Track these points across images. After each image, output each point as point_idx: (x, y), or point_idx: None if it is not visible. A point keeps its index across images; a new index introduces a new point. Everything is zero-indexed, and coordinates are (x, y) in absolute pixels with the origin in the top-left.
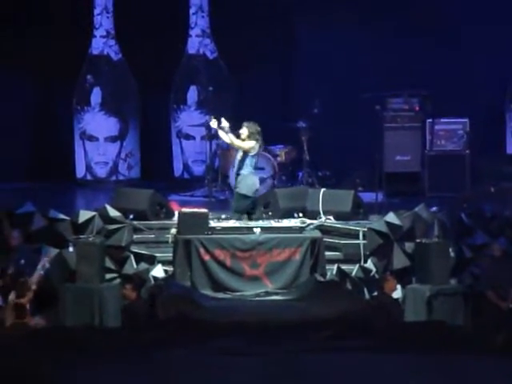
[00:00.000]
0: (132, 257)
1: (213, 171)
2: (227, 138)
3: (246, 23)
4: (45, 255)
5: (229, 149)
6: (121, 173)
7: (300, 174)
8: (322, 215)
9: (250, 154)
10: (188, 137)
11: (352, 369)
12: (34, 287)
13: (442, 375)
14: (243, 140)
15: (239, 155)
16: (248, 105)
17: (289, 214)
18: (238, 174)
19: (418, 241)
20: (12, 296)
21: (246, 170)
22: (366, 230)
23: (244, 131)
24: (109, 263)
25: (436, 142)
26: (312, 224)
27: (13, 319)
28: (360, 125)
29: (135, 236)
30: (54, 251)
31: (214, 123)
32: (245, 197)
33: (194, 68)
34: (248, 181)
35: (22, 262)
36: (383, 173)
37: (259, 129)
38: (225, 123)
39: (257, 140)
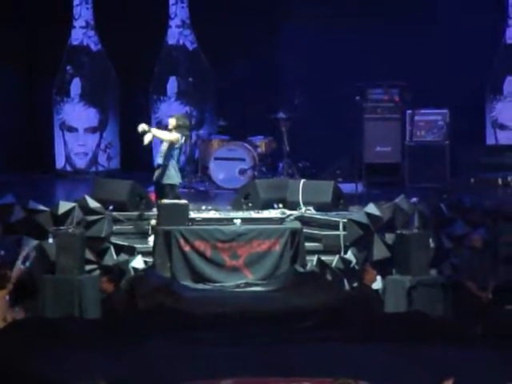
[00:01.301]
0: (112, 248)
1: (192, 162)
2: (156, 133)
3: (226, 14)
4: (26, 248)
5: (209, 140)
6: (100, 164)
7: (280, 164)
8: (302, 206)
9: (175, 146)
10: (168, 127)
11: (332, 359)
12: (13, 280)
13: (421, 365)
14: (170, 131)
15: (164, 146)
16: (228, 96)
17: (269, 205)
18: (162, 165)
19: (398, 232)
20: None
21: (171, 161)
22: (346, 220)
23: (172, 122)
24: (89, 254)
25: (416, 132)
26: (292, 215)
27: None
28: (340, 116)
29: (115, 227)
30: (33, 243)
31: (141, 127)
32: (172, 186)
33: (173, 59)
34: (172, 171)
35: (2, 253)
36: (363, 164)
37: (188, 123)
38: (144, 127)
39: (183, 133)
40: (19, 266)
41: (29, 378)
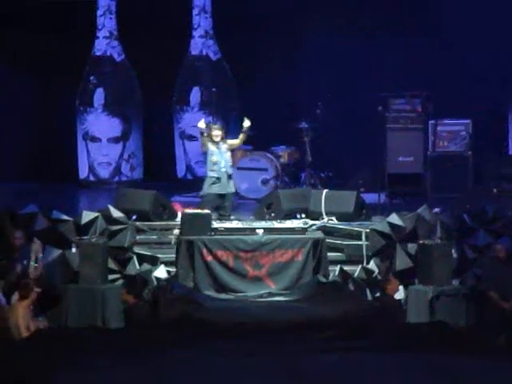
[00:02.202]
0: (135, 258)
1: None
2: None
3: (249, 24)
4: (34, 245)
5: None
6: (123, 173)
7: (303, 174)
8: (324, 216)
9: None
10: (191, 138)
11: (354, 369)
12: (36, 289)
13: (443, 376)
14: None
15: (228, 155)
16: (251, 106)
17: (291, 215)
18: (229, 174)
19: (420, 242)
20: (15, 297)
21: None
22: (368, 230)
23: (219, 132)
24: (112, 264)
25: (438, 143)
26: (315, 225)
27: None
28: (362, 126)
29: (138, 237)
30: (54, 250)
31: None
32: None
33: (196, 69)
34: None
35: (25, 262)
36: (386, 174)
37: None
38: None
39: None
40: (33, 265)
41: None
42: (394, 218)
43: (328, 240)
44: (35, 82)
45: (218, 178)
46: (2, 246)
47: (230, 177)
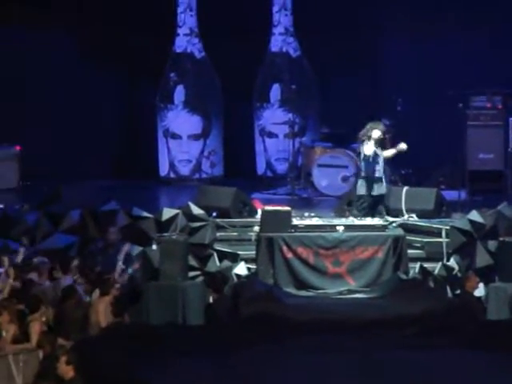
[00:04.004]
0: (215, 254)
1: (296, 169)
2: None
3: (329, 21)
4: (125, 247)
5: (312, 147)
6: (204, 171)
7: None
8: (404, 213)
9: None
10: (271, 135)
11: (438, 366)
12: (117, 285)
13: None
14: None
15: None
16: (331, 103)
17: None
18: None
19: (501, 239)
20: (96, 294)
21: None
22: (448, 228)
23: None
24: (192, 261)
25: None
26: (395, 222)
27: (111, 318)
28: (443, 123)
29: (218, 234)
30: (135, 247)
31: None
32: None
33: (276, 66)
34: None
35: (118, 258)
36: (466, 171)
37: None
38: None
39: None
40: (120, 266)
41: (131, 383)
42: (474, 215)
43: (408, 237)
44: (116, 78)
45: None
46: (84, 244)
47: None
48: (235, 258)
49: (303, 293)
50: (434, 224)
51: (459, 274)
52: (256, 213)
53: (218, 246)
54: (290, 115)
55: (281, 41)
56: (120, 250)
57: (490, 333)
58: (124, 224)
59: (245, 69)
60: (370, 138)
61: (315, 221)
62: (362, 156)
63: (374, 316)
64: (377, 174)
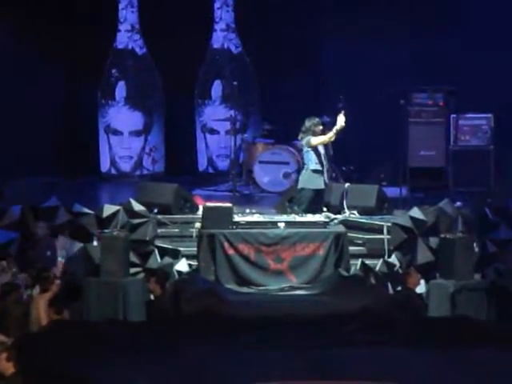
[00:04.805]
0: (156, 251)
1: (237, 166)
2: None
3: (270, 18)
4: (61, 240)
5: (254, 143)
6: (145, 167)
7: None
8: (346, 210)
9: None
10: (212, 131)
11: (376, 363)
12: (58, 281)
13: (465, 370)
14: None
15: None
16: (272, 100)
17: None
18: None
19: (442, 236)
20: (36, 290)
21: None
22: (390, 224)
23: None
24: (133, 257)
25: (460, 137)
26: (336, 219)
27: (52, 315)
28: (384, 119)
29: (159, 230)
30: (76, 244)
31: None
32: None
33: (218, 62)
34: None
35: (48, 253)
36: (407, 167)
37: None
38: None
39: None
40: (60, 260)
41: (71, 379)
42: (415, 212)
43: (349, 234)
44: (58, 74)
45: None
46: (26, 239)
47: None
48: (176, 255)
49: (245, 289)
50: (376, 221)
51: (400, 271)
52: (197, 209)
53: (159, 243)
54: (232, 112)
55: (222, 37)
56: (57, 246)
57: (431, 329)
58: (64, 220)
59: (186, 65)
60: (314, 132)
61: (257, 217)
62: (305, 150)
63: (316, 312)
64: (318, 167)
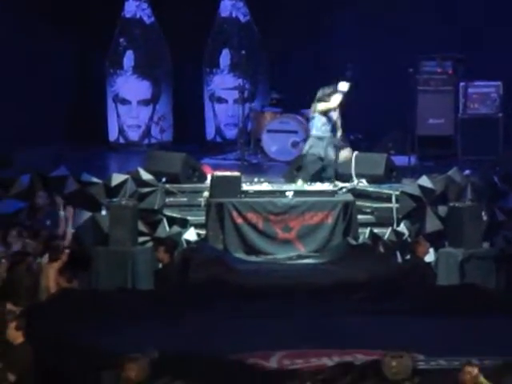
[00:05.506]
0: (165, 220)
1: (245, 135)
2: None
3: None
4: (70, 209)
5: (262, 112)
6: (153, 136)
7: None
8: (354, 178)
9: None
10: (220, 100)
11: (384, 331)
12: (67, 251)
13: (474, 338)
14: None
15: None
16: (280, 68)
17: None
18: None
19: (450, 204)
20: (45, 259)
21: None
22: (398, 193)
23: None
24: (141, 226)
25: (469, 105)
26: (344, 187)
27: (62, 283)
28: (393, 88)
29: (168, 199)
30: (84, 213)
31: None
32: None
33: (226, 31)
34: None
35: (48, 223)
36: (416, 136)
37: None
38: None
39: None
40: (70, 230)
41: (80, 348)
42: (424, 181)
43: (358, 202)
44: (65, 43)
45: None
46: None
47: None
48: (185, 224)
49: (253, 258)
50: (384, 189)
51: (409, 240)
52: (205, 178)
53: (167, 212)
54: (240, 80)
55: (230, 6)
56: (67, 217)
57: (440, 298)
58: (73, 189)
59: (194, 34)
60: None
61: (265, 186)
62: (311, 116)
63: (324, 281)
64: (319, 134)
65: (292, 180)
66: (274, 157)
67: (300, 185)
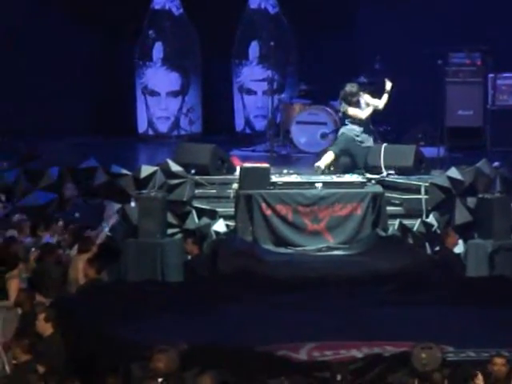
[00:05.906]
0: (194, 211)
1: (274, 126)
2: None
3: None
4: (113, 214)
5: (291, 104)
6: (182, 128)
7: None
8: (383, 170)
9: None
10: (250, 92)
11: (414, 323)
12: (97, 242)
13: (503, 329)
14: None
15: None
16: (309, 60)
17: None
18: None
19: (480, 196)
20: (74, 251)
21: None
22: (427, 184)
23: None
24: (171, 218)
25: (498, 96)
26: (374, 179)
27: (92, 274)
28: (422, 79)
29: (197, 191)
30: (113, 205)
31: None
32: None
33: (255, 23)
34: None
35: (77, 215)
36: (445, 127)
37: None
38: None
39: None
40: (106, 231)
41: (109, 339)
42: (453, 172)
43: (387, 194)
44: (95, 34)
45: None
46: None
47: None
48: (214, 216)
49: (282, 250)
50: (413, 181)
51: (438, 231)
52: (235, 170)
53: (196, 203)
54: (269, 72)
55: None
56: (105, 215)
57: (469, 289)
58: (102, 181)
59: (223, 26)
60: (350, 102)
61: (294, 178)
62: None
63: (353, 273)
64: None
65: (321, 171)
66: (302, 148)
67: (330, 177)
